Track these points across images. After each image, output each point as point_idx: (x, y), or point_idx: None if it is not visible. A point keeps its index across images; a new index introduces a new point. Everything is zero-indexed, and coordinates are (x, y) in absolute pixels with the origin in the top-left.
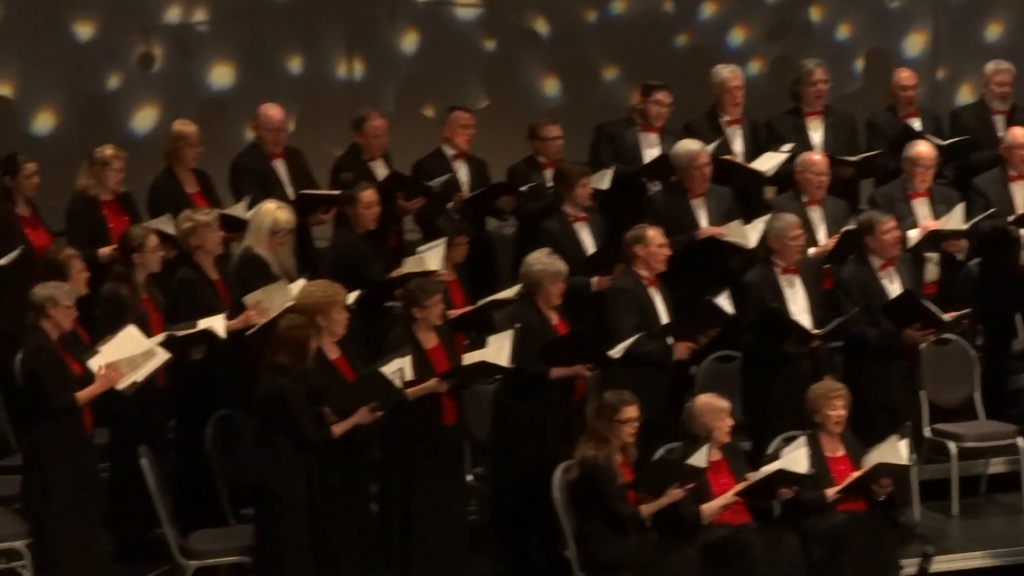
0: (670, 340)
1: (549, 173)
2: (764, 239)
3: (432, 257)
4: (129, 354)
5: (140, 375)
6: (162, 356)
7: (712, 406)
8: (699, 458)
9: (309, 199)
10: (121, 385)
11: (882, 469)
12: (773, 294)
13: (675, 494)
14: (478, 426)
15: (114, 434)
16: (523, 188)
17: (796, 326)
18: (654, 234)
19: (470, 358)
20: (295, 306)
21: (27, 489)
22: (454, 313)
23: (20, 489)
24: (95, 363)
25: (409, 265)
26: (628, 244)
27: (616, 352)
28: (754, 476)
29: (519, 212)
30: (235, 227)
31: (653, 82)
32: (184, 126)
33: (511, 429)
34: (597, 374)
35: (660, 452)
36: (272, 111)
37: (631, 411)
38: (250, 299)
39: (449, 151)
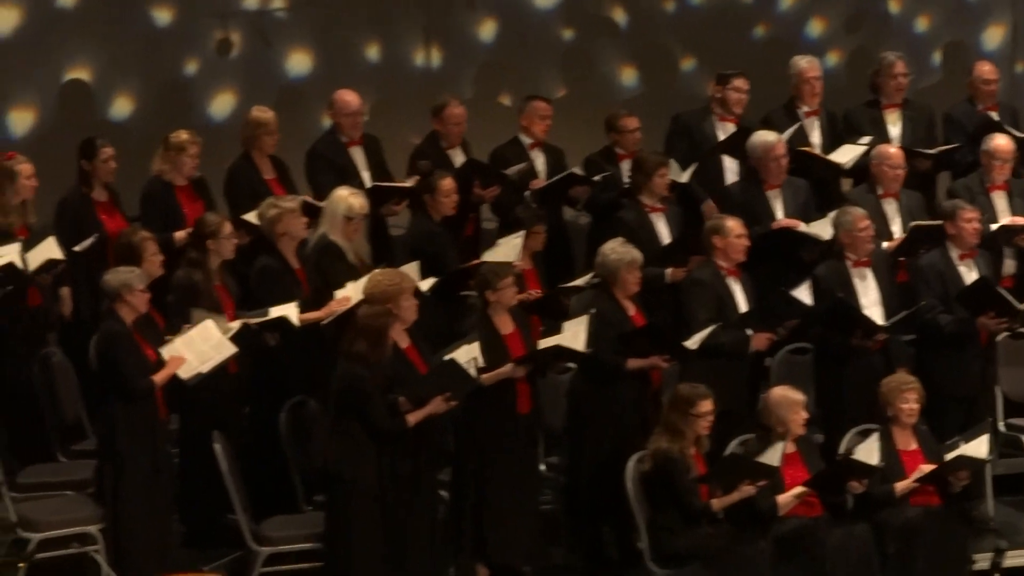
0: (750, 331)
1: (626, 165)
2: (835, 233)
3: (509, 248)
4: (202, 346)
5: (206, 367)
6: (229, 350)
7: (787, 399)
8: (772, 456)
9: (382, 191)
10: (185, 374)
11: (961, 461)
12: (843, 287)
13: (746, 491)
14: (552, 416)
15: (186, 420)
16: (596, 178)
17: (863, 319)
18: (733, 224)
19: (546, 343)
20: (365, 296)
21: (101, 474)
22: (522, 296)
23: (94, 474)
24: (167, 352)
25: (487, 256)
26: (707, 234)
27: (692, 343)
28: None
29: (592, 202)
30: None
31: (729, 71)
32: (262, 113)
33: (586, 418)
34: (675, 365)
35: (734, 444)
36: (349, 97)
37: (706, 404)
38: (339, 293)
39: (526, 140)
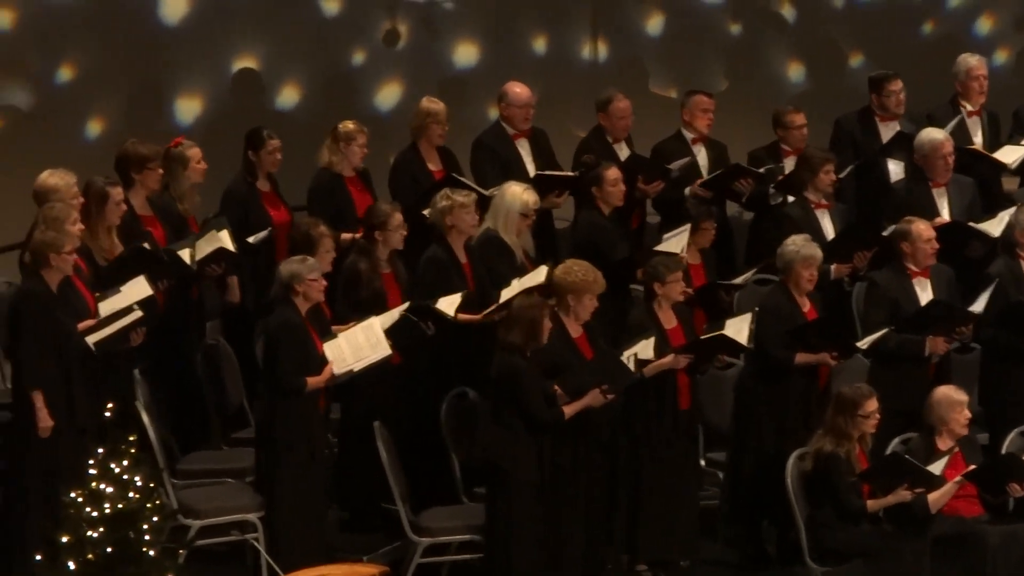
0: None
1: (790, 161)
2: (1009, 231)
3: (675, 242)
4: (362, 344)
5: (359, 366)
6: (385, 351)
7: (950, 398)
8: (937, 466)
9: (545, 180)
10: (338, 370)
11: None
12: (1017, 287)
13: (903, 495)
14: (715, 412)
15: (347, 410)
16: (761, 170)
17: None
18: (922, 228)
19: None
20: (553, 280)
21: (260, 462)
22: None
23: (254, 461)
24: (330, 350)
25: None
26: (895, 239)
27: (863, 343)
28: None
29: (752, 197)
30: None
31: (880, 73)
32: (432, 103)
33: (752, 414)
34: (844, 365)
35: (895, 442)
36: (519, 88)
37: (872, 404)
38: (504, 292)
39: (689, 134)
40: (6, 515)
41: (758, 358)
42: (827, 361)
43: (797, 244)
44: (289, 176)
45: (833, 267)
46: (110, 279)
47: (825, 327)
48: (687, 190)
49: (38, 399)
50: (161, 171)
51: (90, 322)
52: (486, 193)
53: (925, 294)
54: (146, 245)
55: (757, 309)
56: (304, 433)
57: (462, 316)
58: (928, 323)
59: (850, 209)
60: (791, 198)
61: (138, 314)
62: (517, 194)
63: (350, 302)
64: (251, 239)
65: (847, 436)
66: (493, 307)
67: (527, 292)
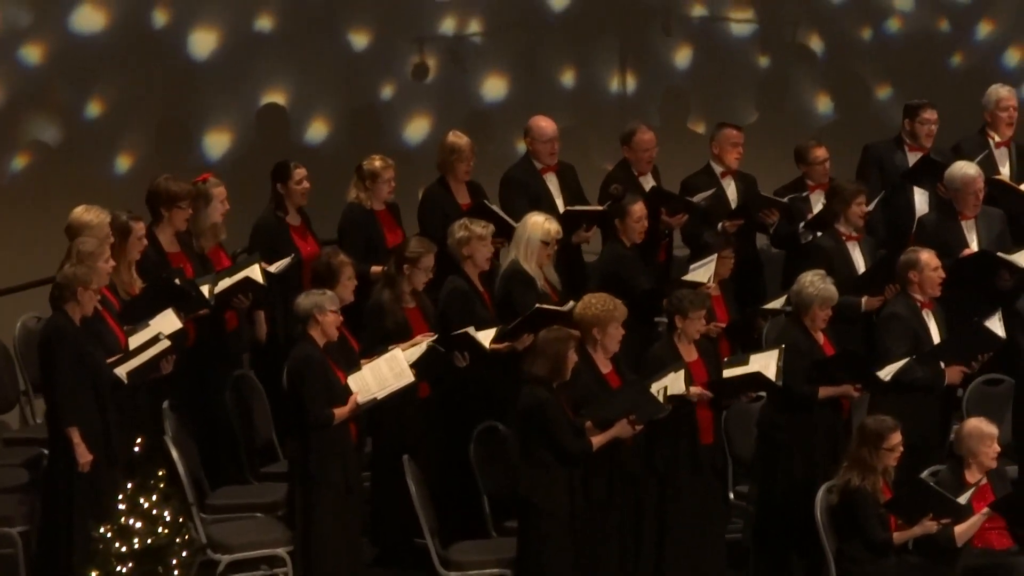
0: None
1: (816, 196)
2: None
3: (701, 272)
4: (386, 373)
5: (381, 394)
6: (407, 379)
7: (980, 431)
8: (964, 497)
9: (574, 215)
10: (361, 399)
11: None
12: None
13: (928, 526)
14: (742, 445)
15: (377, 443)
16: (785, 199)
17: None
18: (928, 258)
19: (732, 374)
20: (574, 316)
21: (292, 496)
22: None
23: (285, 496)
24: (354, 381)
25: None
26: (902, 269)
27: (885, 374)
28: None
29: (781, 236)
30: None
31: (916, 101)
32: (458, 138)
33: (778, 448)
34: (866, 397)
35: (925, 474)
36: (545, 123)
37: (896, 437)
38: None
39: (718, 168)
40: (48, 552)
41: (781, 392)
42: (850, 393)
43: (815, 284)
44: (319, 211)
45: (864, 300)
46: (134, 313)
47: (848, 360)
48: (720, 225)
49: (75, 435)
50: (190, 211)
51: (119, 357)
52: (516, 225)
53: (931, 325)
54: (176, 280)
55: (784, 346)
56: (339, 466)
57: (494, 346)
58: (953, 349)
59: (879, 240)
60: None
61: (166, 343)
62: (539, 224)
63: (376, 334)
64: (272, 268)
65: (872, 469)
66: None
67: (578, 322)
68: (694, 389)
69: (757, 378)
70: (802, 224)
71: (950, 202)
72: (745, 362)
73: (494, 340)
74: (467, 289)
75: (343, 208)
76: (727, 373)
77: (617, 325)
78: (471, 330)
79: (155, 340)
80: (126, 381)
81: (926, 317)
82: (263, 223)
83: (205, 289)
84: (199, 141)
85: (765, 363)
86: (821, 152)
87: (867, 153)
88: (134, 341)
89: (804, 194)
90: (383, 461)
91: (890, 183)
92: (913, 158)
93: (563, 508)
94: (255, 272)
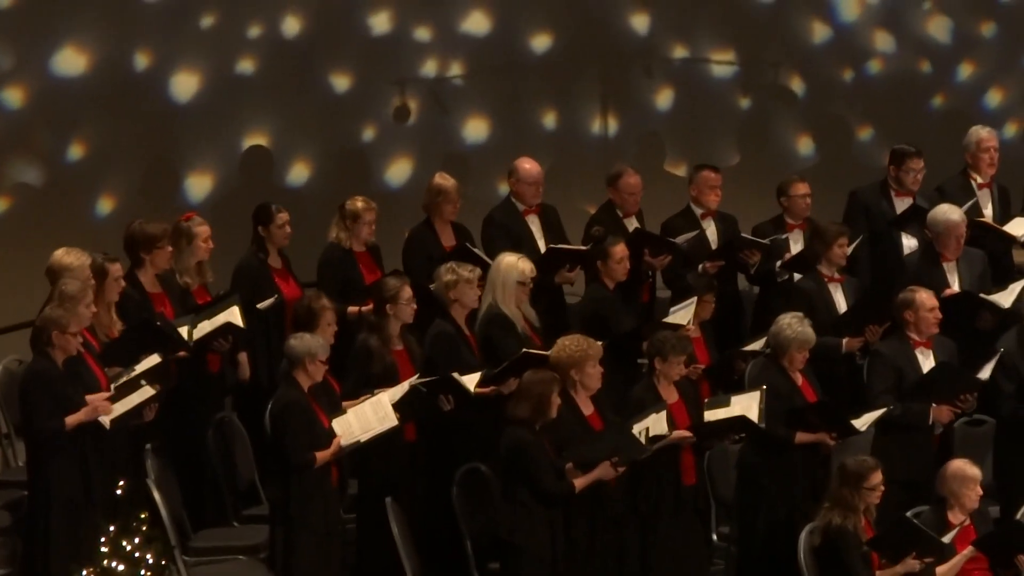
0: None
1: (795, 234)
2: (1020, 303)
3: (681, 315)
4: (371, 417)
5: (365, 437)
6: (391, 423)
7: (963, 473)
8: (947, 538)
9: (557, 254)
10: (345, 442)
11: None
12: None
13: (911, 565)
14: (725, 486)
15: (362, 485)
16: (766, 241)
17: None
18: (924, 298)
19: (714, 415)
20: (549, 360)
21: (274, 539)
22: (687, 372)
23: (267, 538)
24: (338, 424)
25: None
26: (898, 308)
27: (862, 425)
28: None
29: (758, 273)
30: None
31: (904, 147)
32: (445, 180)
33: (757, 488)
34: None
35: (909, 514)
36: (529, 165)
37: (876, 476)
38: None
39: (698, 209)
40: None
41: (760, 434)
42: (826, 441)
43: (793, 327)
44: (300, 252)
45: (845, 340)
46: (115, 355)
47: (824, 409)
48: (700, 267)
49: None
50: (171, 249)
51: (102, 395)
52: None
53: (928, 363)
54: (158, 323)
55: (765, 387)
56: (319, 509)
57: (478, 389)
58: (933, 390)
59: (862, 283)
60: (797, 275)
61: (151, 391)
62: (512, 264)
63: (361, 378)
64: (260, 305)
65: (853, 508)
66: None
67: (554, 365)
68: (676, 433)
69: (741, 421)
70: (779, 263)
71: (932, 244)
72: (727, 403)
73: (479, 384)
74: (453, 333)
75: (324, 248)
76: (709, 415)
77: (594, 363)
78: (455, 374)
79: (137, 385)
80: (108, 427)
81: (920, 356)
82: (245, 265)
83: (184, 331)
84: (181, 183)
85: (747, 405)
86: (802, 187)
87: (853, 199)
88: (117, 386)
89: (784, 236)
90: (367, 503)
91: (877, 229)
92: (899, 203)
93: (545, 550)
94: (235, 315)
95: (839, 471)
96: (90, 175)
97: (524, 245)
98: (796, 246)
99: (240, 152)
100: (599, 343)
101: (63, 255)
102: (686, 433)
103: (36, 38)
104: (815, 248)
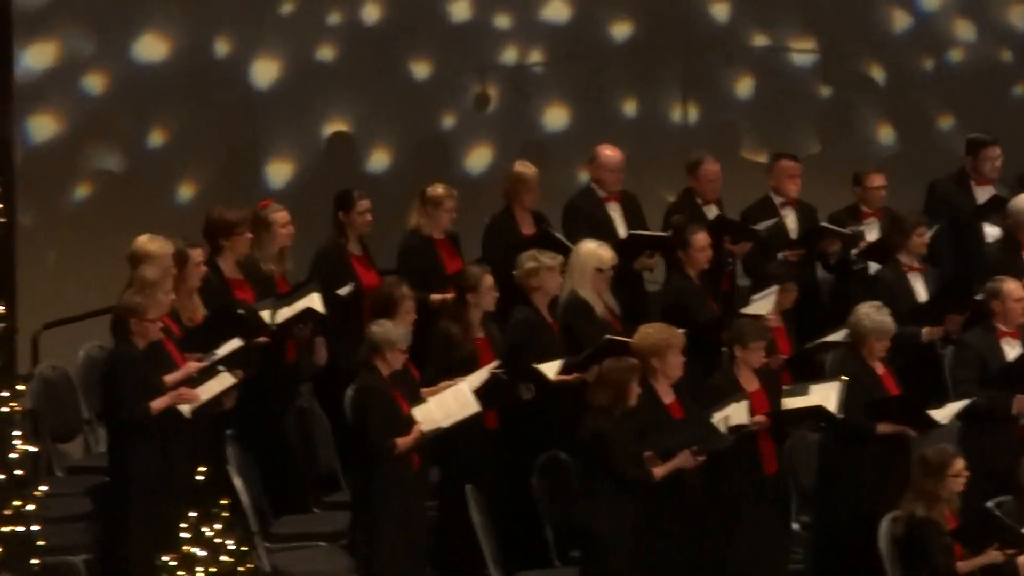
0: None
1: (870, 223)
2: None
3: (762, 304)
4: (452, 405)
5: (447, 423)
6: (473, 409)
7: None
8: None
9: (637, 240)
10: (426, 428)
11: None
12: None
13: (993, 555)
14: (805, 475)
15: (443, 472)
16: (847, 229)
17: None
18: (1012, 288)
19: (792, 403)
20: (631, 348)
21: (355, 526)
22: (767, 361)
23: (349, 525)
24: (419, 412)
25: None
26: (984, 298)
27: (944, 417)
28: None
29: (839, 261)
30: None
31: (980, 136)
32: (524, 167)
33: (837, 478)
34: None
35: (990, 504)
36: (611, 151)
37: (958, 463)
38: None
39: (777, 198)
40: None
41: (841, 423)
42: (908, 432)
43: (871, 316)
44: (380, 240)
45: (925, 330)
46: (196, 342)
47: (906, 403)
48: (779, 255)
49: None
50: (250, 235)
51: (178, 375)
52: None
53: (1014, 353)
54: (240, 311)
55: (846, 379)
56: (401, 496)
57: (560, 377)
58: (1017, 380)
59: (944, 272)
60: (874, 264)
61: (232, 379)
62: (592, 251)
63: (442, 366)
64: (340, 291)
65: (936, 498)
66: (583, 357)
67: (636, 353)
68: (755, 418)
69: (819, 411)
70: (855, 251)
71: (1012, 233)
72: (805, 392)
73: (560, 371)
74: (535, 320)
75: (404, 236)
76: (787, 403)
77: (676, 352)
78: (536, 363)
79: (214, 371)
80: (188, 416)
81: (1006, 346)
82: (324, 252)
83: (265, 315)
84: (262, 170)
85: (826, 395)
86: (878, 178)
87: (933, 191)
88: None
89: (862, 225)
90: (449, 491)
91: (957, 219)
92: (979, 191)
93: (625, 538)
94: (315, 302)
95: (920, 461)
96: (170, 162)
97: (604, 232)
98: (871, 235)
99: (320, 139)
100: (681, 332)
101: (147, 241)
102: (762, 418)
103: (116, 25)
104: (894, 237)
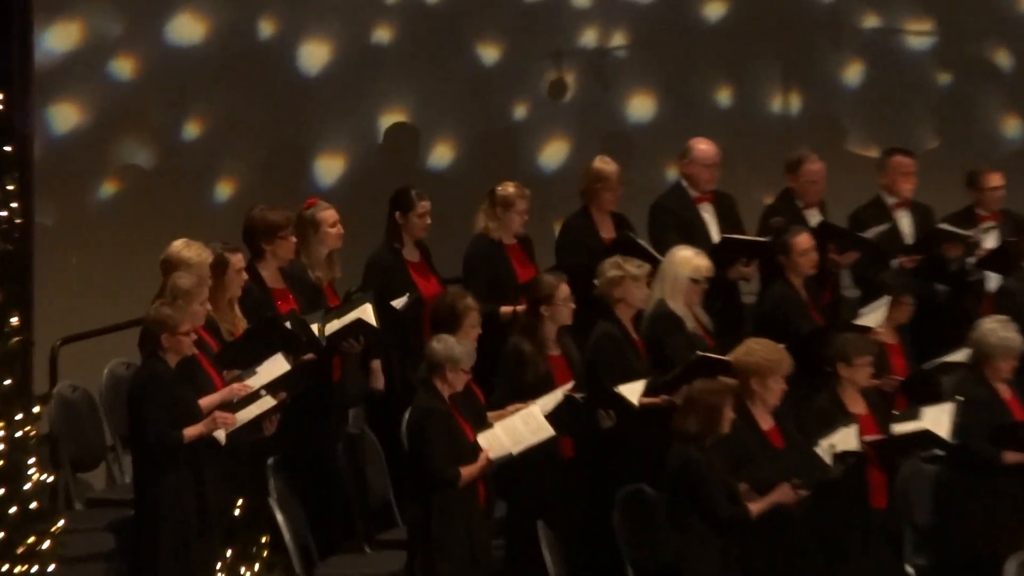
0: None
1: (988, 227)
2: None
3: (872, 317)
4: (522, 430)
5: (516, 449)
6: (547, 434)
7: None
8: None
9: (732, 245)
10: (494, 455)
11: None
12: None
13: None
14: (921, 510)
15: (511, 506)
16: (969, 232)
17: None
18: None
19: (902, 429)
20: (731, 365)
21: (412, 567)
22: (879, 383)
23: (406, 563)
24: (484, 439)
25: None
26: None
27: None
28: None
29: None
30: None
31: None
32: (605, 164)
33: (957, 514)
34: None
35: None
36: (705, 146)
37: None
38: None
39: (889, 199)
40: None
41: (959, 452)
42: None
43: (996, 333)
44: (441, 245)
45: None
46: (233, 357)
47: None
48: (894, 262)
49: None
50: (295, 239)
51: (215, 397)
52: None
53: None
54: (287, 323)
55: (960, 399)
56: (463, 532)
57: (644, 400)
58: None
59: None
60: (993, 275)
61: (272, 401)
62: (687, 259)
63: (512, 387)
64: (395, 303)
65: None
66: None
67: (735, 369)
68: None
69: (927, 435)
70: (971, 260)
71: None
72: (916, 416)
73: (645, 392)
74: (619, 336)
75: (470, 240)
76: (896, 429)
77: (779, 379)
78: (618, 387)
79: (256, 396)
80: (223, 443)
81: None
82: (378, 258)
83: (315, 328)
84: (310, 165)
85: (937, 418)
86: (996, 179)
87: None
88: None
89: (985, 228)
90: (517, 526)
91: None
92: None
93: None
94: (367, 313)
95: None
96: (208, 156)
97: (696, 237)
98: (988, 241)
99: (375, 131)
100: (789, 357)
101: (182, 247)
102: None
103: (148, 2)
104: (1020, 244)
